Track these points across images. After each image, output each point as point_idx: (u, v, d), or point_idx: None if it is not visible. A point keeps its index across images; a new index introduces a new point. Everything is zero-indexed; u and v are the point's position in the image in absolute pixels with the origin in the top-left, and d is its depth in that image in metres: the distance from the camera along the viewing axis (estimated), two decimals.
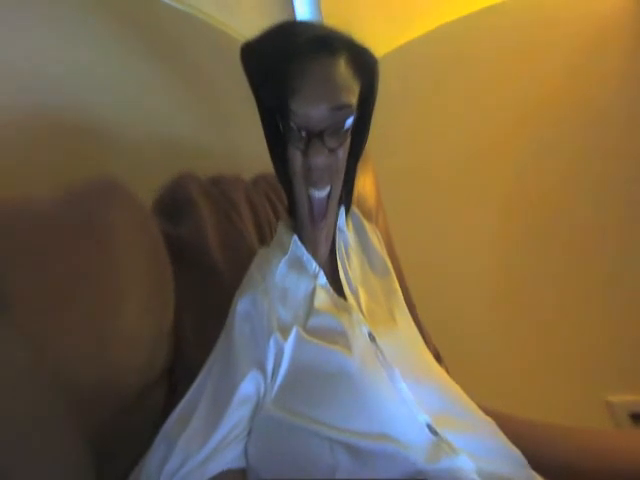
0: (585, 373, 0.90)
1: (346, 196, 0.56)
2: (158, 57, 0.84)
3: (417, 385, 0.39)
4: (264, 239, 0.65)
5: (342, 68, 0.42)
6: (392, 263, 0.58)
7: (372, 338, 0.42)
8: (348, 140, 0.45)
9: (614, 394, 0.88)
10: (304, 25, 0.45)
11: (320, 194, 0.46)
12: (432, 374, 0.44)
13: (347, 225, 0.58)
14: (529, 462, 0.37)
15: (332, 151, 0.43)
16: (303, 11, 1.22)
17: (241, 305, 0.44)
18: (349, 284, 0.49)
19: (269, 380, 0.39)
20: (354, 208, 0.63)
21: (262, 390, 0.39)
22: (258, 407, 0.39)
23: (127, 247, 0.43)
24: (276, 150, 0.48)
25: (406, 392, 0.38)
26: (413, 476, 0.32)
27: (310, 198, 0.46)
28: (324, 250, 0.50)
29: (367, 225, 0.61)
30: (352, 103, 0.42)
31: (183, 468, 0.33)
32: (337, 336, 0.41)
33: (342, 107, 0.41)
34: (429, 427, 0.36)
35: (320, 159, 0.42)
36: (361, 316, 0.44)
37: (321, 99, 0.40)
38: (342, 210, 0.56)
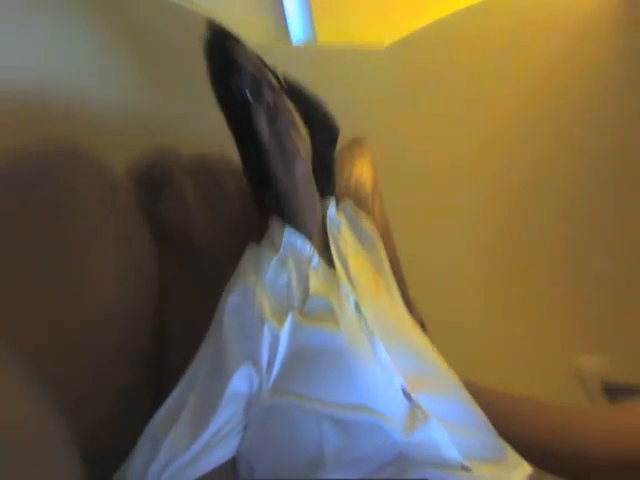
0: (555, 343, 0.92)
1: (328, 182, 0.58)
2: (137, 37, 0.79)
3: (394, 347, 0.41)
4: (253, 222, 0.59)
5: None
6: (387, 244, 0.61)
7: (358, 308, 0.44)
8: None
9: (584, 365, 0.91)
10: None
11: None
12: (409, 336, 0.47)
13: (338, 215, 0.58)
14: (509, 440, 0.38)
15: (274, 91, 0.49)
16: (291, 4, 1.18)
17: (231, 300, 0.43)
18: (339, 255, 0.50)
19: (264, 372, 0.38)
20: (347, 200, 0.64)
21: (256, 384, 0.38)
22: (252, 401, 0.38)
23: (91, 213, 0.38)
24: (247, 147, 0.52)
25: (384, 354, 0.40)
26: (393, 452, 0.33)
27: (284, 160, 0.49)
28: (312, 217, 0.52)
29: (359, 213, 0.63)
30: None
31: (170, 467, 0.32)
32: (327, 313, 0.42)
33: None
34: (403, 391, 0.37)
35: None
36: (349, 286, 0.46)
37: None
38: (332, 201, 0.57)
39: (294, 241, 0.50)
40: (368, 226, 0.61)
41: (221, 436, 0.35)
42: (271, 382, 0.38)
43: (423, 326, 0.65)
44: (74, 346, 0.34)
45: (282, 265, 0.48)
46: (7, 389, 0.27)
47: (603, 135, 0.95)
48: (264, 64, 0.54)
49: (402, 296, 0.54)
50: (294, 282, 0.46)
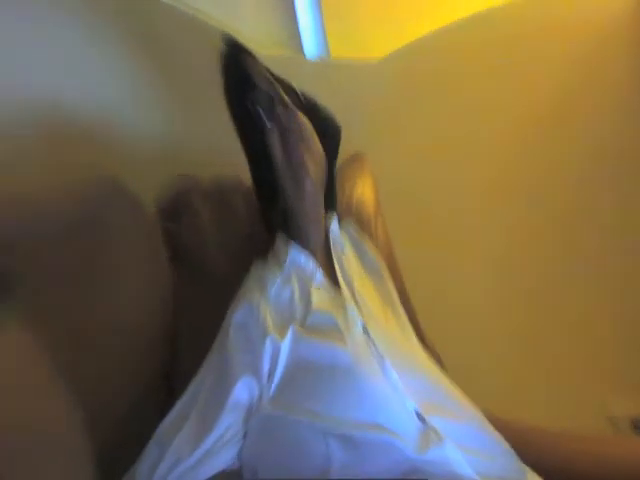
0: (584, 380, 0.87)
1: (329, 197, 0.59)
2: (158, 57, 0.84)
3: (407, 374, 0.41)
4: (260, 242, 0.63)
5: None
6: (392, 271, 0.60)
7: (366, 331, 0.44)
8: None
9: (614, 403, 0.86)
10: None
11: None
12: (422, 365, 0.46)
13: (341, 234, 0.59)
14: (529, 466, 0.37)
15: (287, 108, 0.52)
16: (304, 11, 1.21)
17: (236, 316, 0.45)
18: (343, 275, 0.51)
19: (265, 381, 0.40)
20: (349, 220, 0.65)
21: (256, 394, 0.40)
22: (253, 410, 0.39)
23: (125, 246, 0.46)
24: (259, 163, 0.55)
25: (396, 380, 0.39)
26: (405, 468, 0.33)
27: (293, 176, 0.51)
28: (316, 231, 0.54)
29: (362, 235, 0.63)
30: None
31: (175, 471, 0.34)
32: (332, 330, 0.43)
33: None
34: (417, 414, 0.37)
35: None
36: (355, 309, 0.46)
37: None
38: (335, 217, 0.59)
39: (298, 257, 0.51)
40: (373, 252, 0.61)
41: (223, 442, 0.37)
42: (272, 391, 0.39)
43: (438, 360, 0.64)
44: (96, 351, 0.40)
45: (286, 281, 0.49)
46: (39, 379, 0.33)
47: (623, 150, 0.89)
48: (278, 79, 0.56)
49: (413, 328, 0.54)
50: (297, 296, 0.47)
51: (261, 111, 0.52)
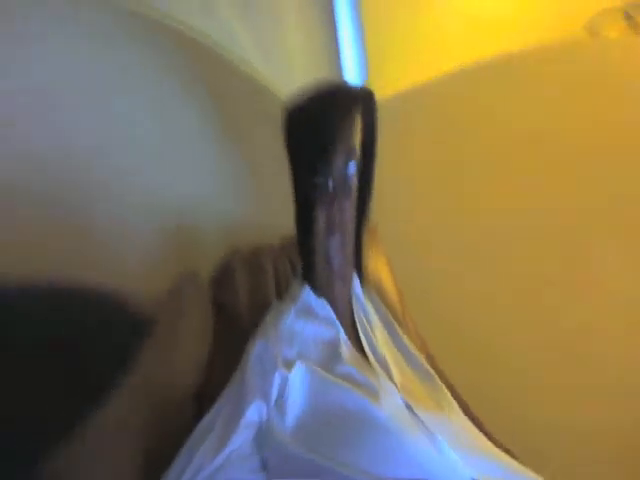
0: None
1: (356, 258, 0.61)
2: (213, 124, 0.94)
3: (466, 454, 0.39)
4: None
5: None
6: (431, 364, 0.57)
7: (409, 408, 0.42)
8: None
9: None
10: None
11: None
12: (489, 449, 0.42)
13: (365, 298, 0.61)
14: None
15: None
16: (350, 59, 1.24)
17: (255, 349, 0.53)
18: (373, 350, 0.51)
19: (272, 405, 0.46)
20: (372, 290, 0.66)
21: (264, 417, 0.45)
22: (262, 430, 0.45)
23: (195, 328, 0.70)
24: (305, 221, 0.57)
25: (449, 452, 0.38)
26: None
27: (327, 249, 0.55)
28: (340, 290, 0.57)
29: (388, 313, 0.63)
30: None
31: (198, 476, 0.37)
32: (363, 386, 0.44)
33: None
34: None
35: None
36: (391, 384, 0.46)
37: None
38: (356, 279, 0.61)
39: (310, 300, 0.57)
40: (405, 338, 0.59)
41: (238, 455, 0.41)
42: (290, 424, 0.43)
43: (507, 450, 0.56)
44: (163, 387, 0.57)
45: (299, 314, 0.55)
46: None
47: None
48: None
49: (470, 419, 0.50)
50: (310, 330, 0.53)
51: (315, 198, 0.52)
